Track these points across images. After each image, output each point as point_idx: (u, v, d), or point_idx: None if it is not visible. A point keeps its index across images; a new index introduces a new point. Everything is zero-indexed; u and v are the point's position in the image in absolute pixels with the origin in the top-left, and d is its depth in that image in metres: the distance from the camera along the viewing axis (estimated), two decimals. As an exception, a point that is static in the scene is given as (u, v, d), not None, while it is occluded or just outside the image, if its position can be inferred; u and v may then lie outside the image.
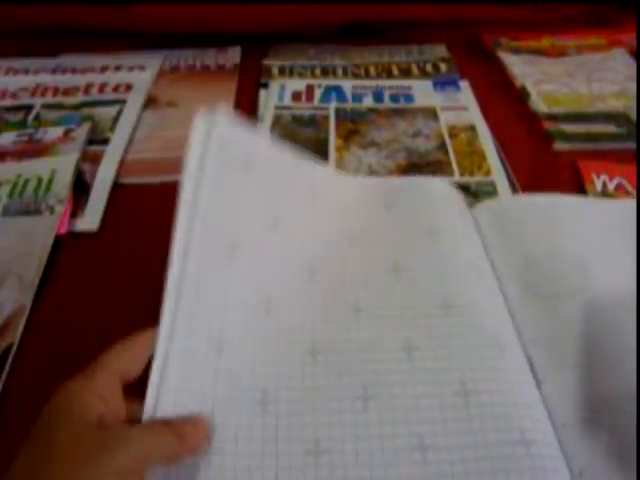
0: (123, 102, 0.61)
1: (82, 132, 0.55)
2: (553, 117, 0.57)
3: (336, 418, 0.30)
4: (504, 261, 0.40)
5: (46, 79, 0.65)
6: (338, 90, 0.63)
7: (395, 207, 0.43)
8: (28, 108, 0.60)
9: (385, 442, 0.29)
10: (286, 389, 0.32)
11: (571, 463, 0.29)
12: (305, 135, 0.56)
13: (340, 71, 0.67)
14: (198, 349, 0.31)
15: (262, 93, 0.63)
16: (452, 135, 0.55)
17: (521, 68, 0.66)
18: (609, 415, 0.31)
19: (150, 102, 0.62)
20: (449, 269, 0.38)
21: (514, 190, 0.48)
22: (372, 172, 0.51)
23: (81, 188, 0.49)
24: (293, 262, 0.38)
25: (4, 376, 0.35)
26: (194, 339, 0.31)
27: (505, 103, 0.61)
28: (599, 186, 0.48)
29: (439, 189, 0.45)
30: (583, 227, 0.42)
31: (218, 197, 0.35)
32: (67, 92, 0.63)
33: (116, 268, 0.43)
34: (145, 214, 0.45)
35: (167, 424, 0.27)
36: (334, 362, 0.33)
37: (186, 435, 0.27)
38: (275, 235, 0.38)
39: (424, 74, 0.67)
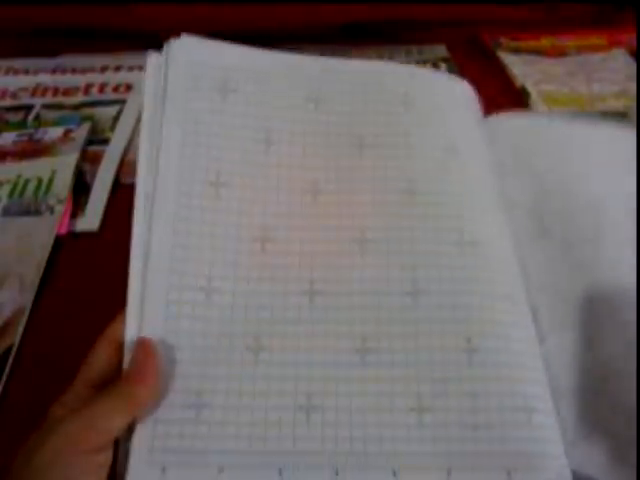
0: (123, 102, 0.61)
1: (82, 132, 0.55)
2: (553, 117, 0.57)
3: (331, 372, 0.29)
4: (517, 189, 0.36)
5: (46, 79, 0.65)
6: (338, 90, 0.63)
7: (413, 106, 0.36)
8: (28, 108, 0.60)
9: (381, 401, 0.28)
10: (279, 336, 0.30)
11: (565, 431, 0.28)
12: (305, 135, 0.56)
13: (340, 71, 0.67)
14: (184, 297, 0.30)
15: (262, 93, 0.63)
16: (452, 135, 0.55)
17: (521, 68, 0.66)
18: (607, 386, 0.29)
19: (150, 102, 0.62)
20: (467, 199, 0.33)
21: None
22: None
23: (81, 188, 0.49)
24: (292, 184, 0.34)
25: (4, 377, 0.35)
26: (178, 287, 0.30)
27: (505, 103, 0.61)
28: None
29: (459, 90, 0.40)
30: (602, 158, 0.37)
31: (190, 130, 0.32)
32: (67, 92, 0.63)
33: (116, 268, 0.43)
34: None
35: (109, 391, 0.26)
36: (333, 307, 0.30)
37: (135, 393, 0.26)
38: (269, 156, 0.34)
39: (424, 74, 0.67)
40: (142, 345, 0.28)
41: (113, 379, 0.28)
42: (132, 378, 0.27)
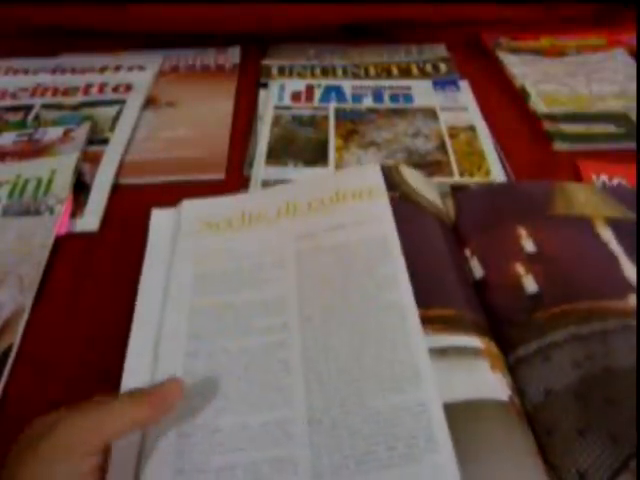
0: (123, 102, 0.61)
1: (82, 132, 0.55)
2: (553, 117, 0.57)
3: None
4: None
5: (46, 79, 0.66)
6: (338, 90, 0.63)
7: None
8: (28, 108, 0.61)
9: None
10: None
11: None
12: (305, 135, 0.56)
13: (340, 71, 0.67)
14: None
15: (262, 93, 0.63)
16: (452, 135, 0.55)
17: (521, 68, 0.66)
18: None
19: (150, 102, 0.62)
20: None
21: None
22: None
23: (81, 188, 0.49)
24: None
25: (4, 377, 0.35)
26: None
27: (505, 103, 0.61)
28: (599, 186, 0.48)
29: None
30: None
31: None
32: (67, 92, 0.63)
33: (116, 268, 0.43)
34: (145, 215, 0.45)
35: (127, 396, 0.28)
36: None
37: (155, 402, 0.28)
38: None
39: (424, 74, 0.67)
40: (176, 382, 0.30)
41: None
42: (152, 400, 0.28)
